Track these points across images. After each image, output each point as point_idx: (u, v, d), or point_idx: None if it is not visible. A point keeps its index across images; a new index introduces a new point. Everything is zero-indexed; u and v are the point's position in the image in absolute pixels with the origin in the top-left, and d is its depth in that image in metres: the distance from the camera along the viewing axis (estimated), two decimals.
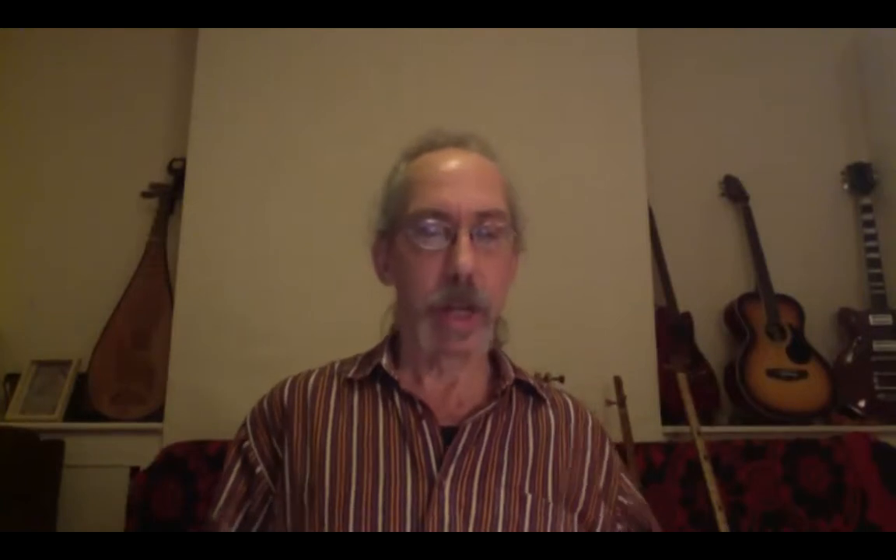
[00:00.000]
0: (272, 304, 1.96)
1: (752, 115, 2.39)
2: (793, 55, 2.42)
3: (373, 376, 0.87)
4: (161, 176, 2.21)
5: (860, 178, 2.30)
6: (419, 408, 0.83)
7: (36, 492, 1.78)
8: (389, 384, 0.86)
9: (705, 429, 1.80)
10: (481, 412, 0.84)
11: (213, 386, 1.88)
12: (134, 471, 1.79)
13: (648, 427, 1.88)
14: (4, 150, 2.26)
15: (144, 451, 1.75)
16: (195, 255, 2.00)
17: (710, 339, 2.19)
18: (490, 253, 0.81)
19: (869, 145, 2.39)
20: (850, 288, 2.28)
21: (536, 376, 0.95)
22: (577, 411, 0.92)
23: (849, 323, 2.18)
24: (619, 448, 1.72)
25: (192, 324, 1.95)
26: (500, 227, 0.82)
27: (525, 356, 0.97)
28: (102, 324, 2.03)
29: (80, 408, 1.97)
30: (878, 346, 2.12)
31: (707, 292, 2.23)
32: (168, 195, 2.17)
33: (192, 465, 1.60)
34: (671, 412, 1.94)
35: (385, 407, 0.85)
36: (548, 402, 0.91)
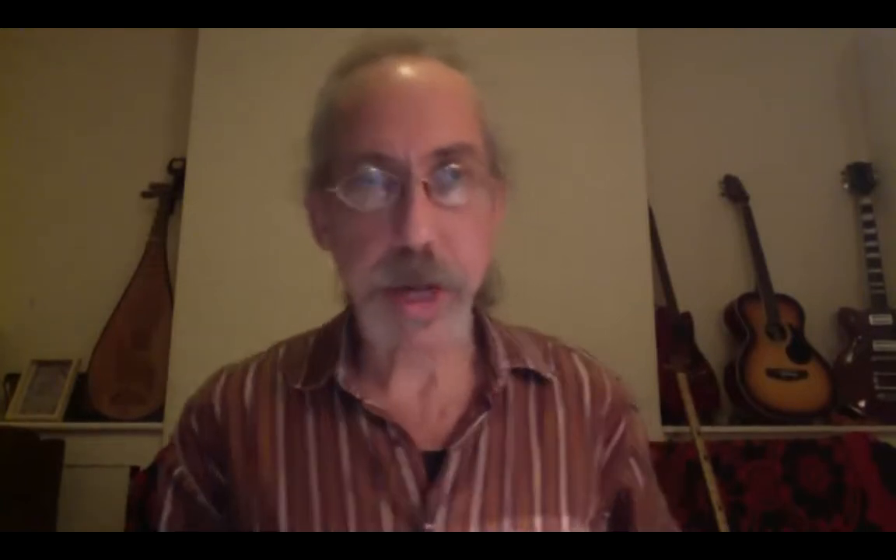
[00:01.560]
0: (272, 304, 1.95)
1: (752, 115, 2.39)
2: (793, 55, 2.42)
3: (328, 386, 0.67)
4: (161, 176, 2.21)
5: (860, 178, 2.30)
6: (391, 432, 0.64)
7: (36, 492, 1.78)
8: (350, 400, 0.66)
9: (705, 429, 1.80)
10: (470, 431, 0.65)
11: None
12: (134, 471, 1.79)
13: (648, 427, 1.86)
14: (4, 150, 2.26)
15: (144, 451, 1.75)
16: (195, 255, 2.00)
17: (710, 339, 2.19)
18: (459, 210, 0.59)
19: (869, 145, 2.39)
20: (850, 288, 2.28)
21: (542, 344, 0.76)
22: (593, 387, 0.73)
23: (849, 323, 2.18)
24: None
25: (192, 324, 1.95)
26: (470, 168, 0.59)
27: None
28: (102, 324, 2.03)
29: (80, 408, 1.97)
30: (878, 346, 2.12)
31: (707, 292, 2.23)
32: (168, 195, 2.17)
33: None
34: (671, 412, 1.93)
35: (349, 431, 0.65)
36: (555, 384, 0.71)
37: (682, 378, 1.87)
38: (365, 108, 0.59)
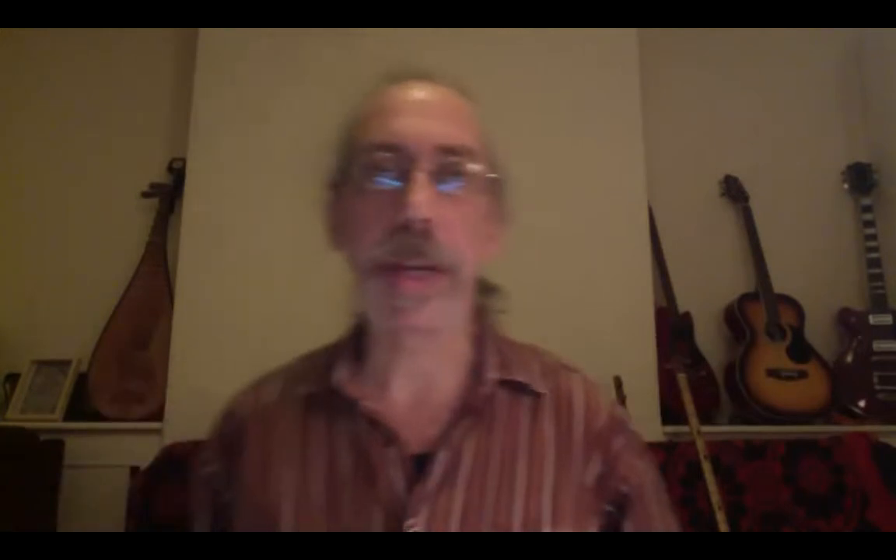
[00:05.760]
0: (272, 304, 1.96)
1: (752, 115, 2.39)
2: (793, 55, 2.42)
3: (332, 390, 0.72)
4: (161, 176, 2.21)
5: (860, 178, 2.30)
6: (384, 432, 0.68)
7: (36, 492, 1.78)
8: (349, 401, 0.70)
9: (705, 429, 1.80)
10: (455, 435, 0.68)
11: (214, 386, 1.86)
12: (134, 471, 1.79)
13: (648, 427, 1.88)
14: (4, 150, 2.26)
15: (144, 451, 1.75)
16: (195, 255, 2.00)
17: (710, 339, 2.19)
18: (457, 201, 0.66)
19: (869, 145, 2.39)
20: (850, 288, 2.28)
21: (540, 361, 0.77)
22: (587, 406, 0.75)
23: (849, 323, 2.18)
24: None
25: (192, 324, 1.95)
26: (470, 168, 0.66)
27: None
28: (102, 324, 2.03)
29: (80, 408, 1.97)
30: (878, 346, 2.12)
31: (707, 292, 2.22)
32: (168, 195, 2.17)
33: (192, 466, 1.60)
34: (671, 412, 1.93)
35: (347, 431, 0.70)
36: (548, 399, 0.74)
37: (682, 378, 1.87)
38: (384, 108, 0.68)
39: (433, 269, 0.64)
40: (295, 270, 1.98)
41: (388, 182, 0.65)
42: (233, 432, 0.76)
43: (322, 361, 0.76)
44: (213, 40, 2.11)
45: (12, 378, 2.03)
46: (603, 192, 2.06)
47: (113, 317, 2.04)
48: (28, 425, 1.87)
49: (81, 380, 2.01)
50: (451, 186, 0.66)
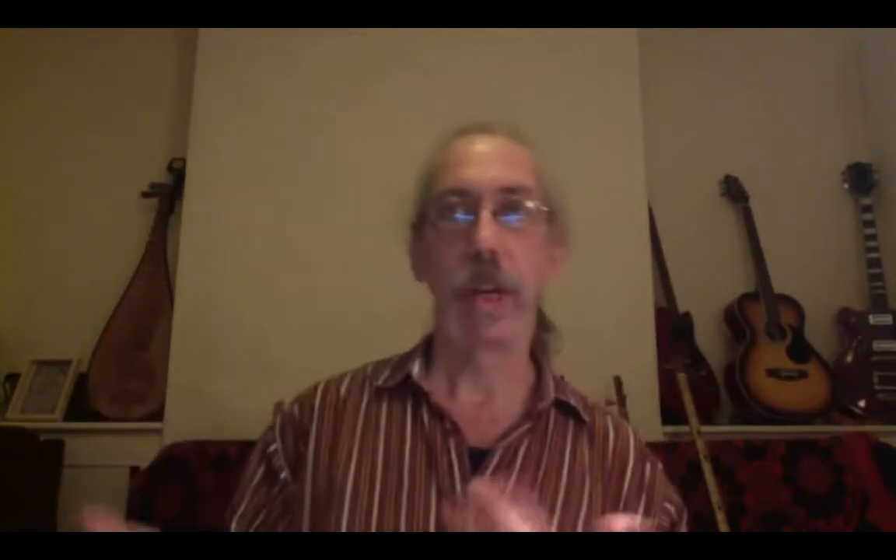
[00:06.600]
0: (272, 304, 1.96)
1: (752, 115, 2.39)
2: (793, 55, 2.42)
3: (403, 385, 0.83)
4: (161, 176, 2.21)
5: (860, 178, 2.30)
6: (447, 425, 0.78)
7: (36, 492, 1.78)
8: (419, 396, 0.81)
9: (705, 429, 1.80)
10: (513, 435, 0.79)
11: (213, 386, 1.88)
12: (134, 471, 1.79)
13: (648, 427, 1.88)
14: (5, 150, 2.26)
15: (144, 451, 1.75)
16: (195, 255, 2.00)
17: (710, 339, 2.19)
18: (518, 233, 0.78)
19: (869, 145, 2.39)
20: (850, 288, 2.28)
21: (582, 398, 0.88)
22: (616, 439, 0.86)
23: (849, 323, 2.18)
24: None
25: (192, 324, 1.95)
26: (527, 204, 0.79)
27: None
28: (102, 324, 2.03)
29: (80, 408, 1.97)
30: (878, 346, 2.12)
31: (707, 292, 2.23)
32: (168, 195, 2.17)
33: (193, 465, 1.60)
34: (671, 412, 1.94)
35: (413, 422, 0.80)
36: (588, 428, 0.85)
37: (682, 378, 1.87)
38: (452, 160, 0.81)
39: (501, 291, 0.75)
40: (295, 269, 1.98)
41: (459, 218, 0.77)
42: (305, 415, 0.84)
43: (394, 362, 0.87)
44: (213, 40, 2.11)
45: (12, 378, 2.03)
46: (603, 192, 2.06)
47: (113, 317, 2.04)
48: (28, 425, 1.87)
49: (81, 380, 2.01)
50: (512, 220, 0.77)
